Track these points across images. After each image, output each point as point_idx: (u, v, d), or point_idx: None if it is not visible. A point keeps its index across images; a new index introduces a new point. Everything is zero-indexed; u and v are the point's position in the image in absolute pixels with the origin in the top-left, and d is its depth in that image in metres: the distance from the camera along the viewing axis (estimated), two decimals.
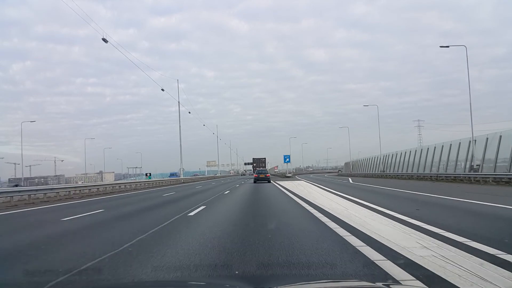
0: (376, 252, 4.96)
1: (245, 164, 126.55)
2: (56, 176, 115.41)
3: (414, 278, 3.82)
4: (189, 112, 65.33)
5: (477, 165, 27.52)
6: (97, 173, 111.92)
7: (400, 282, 3.72)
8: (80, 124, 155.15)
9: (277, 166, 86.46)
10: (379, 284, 2.49)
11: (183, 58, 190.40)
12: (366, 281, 3.65)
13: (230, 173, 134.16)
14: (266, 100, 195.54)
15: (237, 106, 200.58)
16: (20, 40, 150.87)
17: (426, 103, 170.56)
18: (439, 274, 3.93)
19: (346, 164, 79.62)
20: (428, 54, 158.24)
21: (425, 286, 3.55)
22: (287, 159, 68.27)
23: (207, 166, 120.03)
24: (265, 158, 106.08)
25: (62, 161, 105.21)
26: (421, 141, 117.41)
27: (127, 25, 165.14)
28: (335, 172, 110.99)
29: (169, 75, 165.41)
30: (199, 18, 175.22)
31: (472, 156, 28.14)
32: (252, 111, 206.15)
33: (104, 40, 29.24)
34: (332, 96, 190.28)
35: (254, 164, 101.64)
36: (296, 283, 2.74)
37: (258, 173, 41.24)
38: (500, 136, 25.59)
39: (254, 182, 36.89)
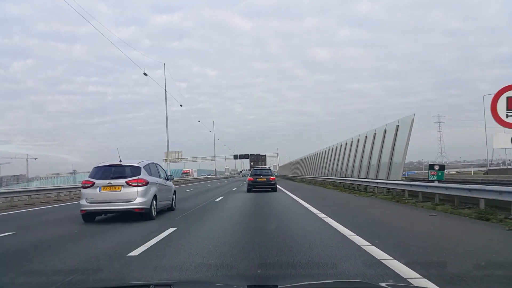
0: None
1: (235, 157, 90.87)
2: (14, 176, 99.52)
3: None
4: (181, 105, 56.95)
5: None
6: (70, 173, 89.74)
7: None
8: (82, 123, 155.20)
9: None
10: (383, 284, 2.54)
11: (186, 57, 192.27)
12: (370, 281, 3.69)
13: (188, 174, 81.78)
14: (269, 100, 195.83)
15: (239, 105, 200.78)
16: (22, 38, 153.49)
17: (430, 103, 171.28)
18: None
19: None
20: (433, 53, 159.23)
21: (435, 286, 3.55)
22: None
23: (165, 160, 70.81)
24: (265, 156, 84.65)
25: (35, 159, 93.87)
26: (441, 139, 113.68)
27: (129, 23, 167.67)
28: None
29: (171, 74, 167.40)
30: (202, 16, 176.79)
31: None
32: (254, 111, 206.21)
33: None
34: (335, 96, 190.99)
35: (252, 163, 75.88)
36: (300, 282, 2.86)
37: (255, 174, 23.40)
38: None
39: (248, 190, 22.18)
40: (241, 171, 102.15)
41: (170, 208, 12.39)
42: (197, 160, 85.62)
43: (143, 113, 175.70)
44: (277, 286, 2.68)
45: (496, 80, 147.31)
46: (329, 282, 3.14)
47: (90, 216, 10.02)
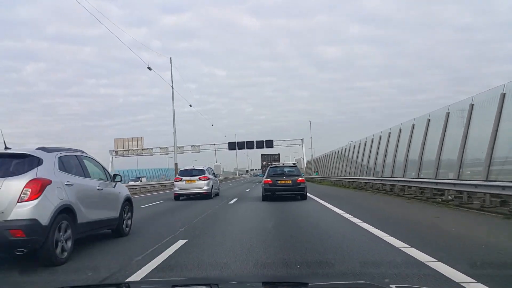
0: None
1: (230, 147, 64.29)
2: None
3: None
4: (190, 105, 49.68)
5: None
6: None
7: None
8: (92, 126, 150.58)
9: None
10: (383, 285, 2.58)
11: (195, 57, 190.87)
12: (369, 281, 3.80)
13: None
14: (277, 99, 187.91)
15: (248, 105, 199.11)
16: (33, 41, 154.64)
17: (441, 101, 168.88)
18: None
19: None
20: (445, 49, 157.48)
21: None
22: None
23: (115, 153, 61.36)
24: (278, 154, 67.47)
25: None
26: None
27: (139, 24, 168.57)
28: None
29: (180, 74, 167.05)
30: (209, 16, 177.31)
31: None
32: (263, 111, 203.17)
33: None
34: (344, 95, 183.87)
35: (264, 163, 62.39)
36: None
37: (274, 174, 16.47)
38: None
39: (264, 198, 15.79)
40: (247, 171, 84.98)
41: (217, 194, 20.48)
42: (168, 152, 62.19)
43: (152, 114, 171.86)
44: (308, 283, 2.85)
45: (510, 76, 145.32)
46: (332, 284, 3.16)
47: (178, 197, 18.21)
